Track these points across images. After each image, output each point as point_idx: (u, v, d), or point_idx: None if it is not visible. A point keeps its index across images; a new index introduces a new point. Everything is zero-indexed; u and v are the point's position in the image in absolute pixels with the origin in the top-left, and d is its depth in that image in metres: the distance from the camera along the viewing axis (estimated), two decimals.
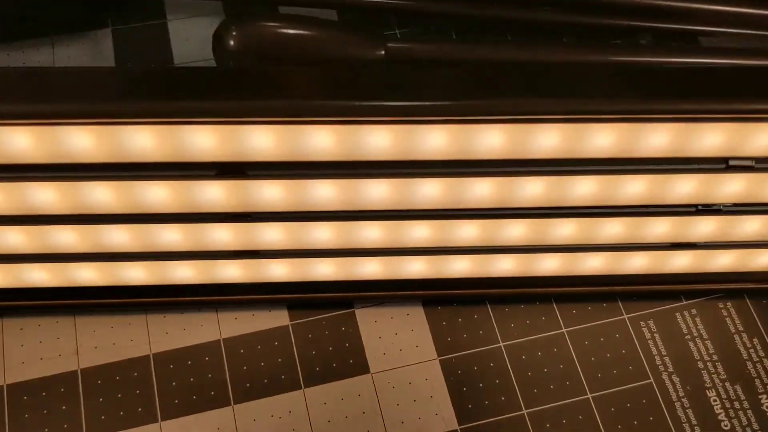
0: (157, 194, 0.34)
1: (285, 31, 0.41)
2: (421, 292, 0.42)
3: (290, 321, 0.42)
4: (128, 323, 0.41)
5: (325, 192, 0.35)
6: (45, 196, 0.33)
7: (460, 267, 0.41)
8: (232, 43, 0.41)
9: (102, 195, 0.34)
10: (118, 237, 0.37)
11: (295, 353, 0.41)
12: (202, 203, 0.35)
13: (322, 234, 0.37)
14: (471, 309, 0.43)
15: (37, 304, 0.41)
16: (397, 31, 0.51)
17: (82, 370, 0.40)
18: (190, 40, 0.50)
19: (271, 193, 0.34)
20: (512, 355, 0.42)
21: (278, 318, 0.42)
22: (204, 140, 0.32)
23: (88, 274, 0.39)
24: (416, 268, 0.41)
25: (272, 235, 0.37)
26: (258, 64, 0.39)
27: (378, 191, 0.35)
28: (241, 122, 0.31)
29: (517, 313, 0.43)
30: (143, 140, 0.31)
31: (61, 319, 0.41)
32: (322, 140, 0.32)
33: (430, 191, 0.35)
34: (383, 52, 0.42)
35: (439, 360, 0.41)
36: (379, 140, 0.32)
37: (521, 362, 0.42)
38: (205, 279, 0.40)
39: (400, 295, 0.43)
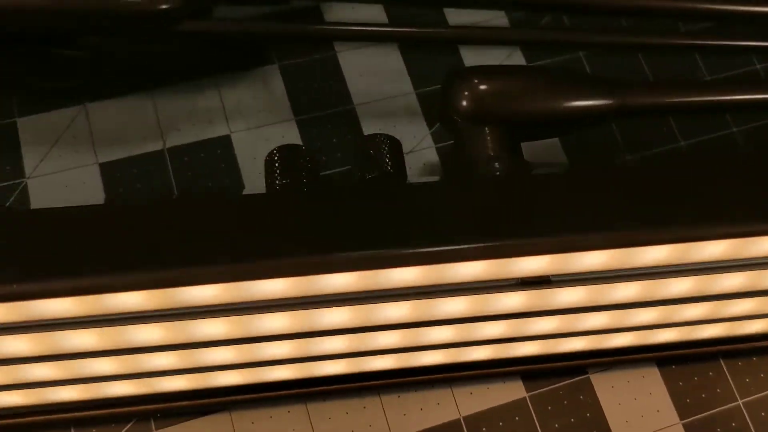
0: (456, 306, 0.31)
1: (519, 86, 0.37)
2: (656, 354, 0.41)
3: (527, 392, 0.40)
4: (363, 407, 0.39)
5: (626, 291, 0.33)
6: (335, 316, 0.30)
7: (707, 333, 0.39)
8: (464, 103, 0.37)
9: (397, 311, 0.31)
10: (385, 340, 0.34)
11: (538, 428, 0.39)
12: (499, 308, 0.32)
13: (596, 320, 0.35)
14: (705, 366, 0.42)
15: (268, 396, 0.38)
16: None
17: None
18: (365, 74, 0.46)
19: (571, 296, 0.32)
20: (752, 412, 0.41)
21: (514, 390, 0.40)
22: (530, 264, 0.29)
23: (332, 368, 0.36)
24: (664, 337, 0.39)
25: (545, 324, 0.35)
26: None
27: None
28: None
29: (751, 367, 0.42)
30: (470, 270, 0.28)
31: (293, 408, 0.39)
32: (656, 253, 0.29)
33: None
34: (612, 101, 0.39)
35: (682, 424, 0.40)
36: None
37: (762, 420, 0.41)
38: (450, 360, 0.38)
39: (634, 359, 0.41)
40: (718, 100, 0.41)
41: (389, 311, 0.31)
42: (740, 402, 0.41)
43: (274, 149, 0.35)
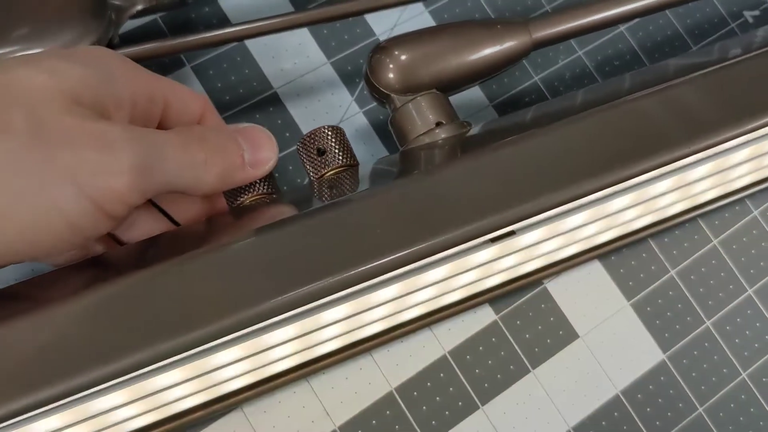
0: (438, 273, 0.34)
1: (444, 47, 0.39)
2: (597, 252, 0.46)
3: (496, 315, 0.45)
4: (359, 368, 0.43)
5: (576, 220, 0.37)
6: None
7: (638, 225, 0.44)
8: (391, 76, 0.39)
9: (388, 292, 0.34)
10: (377, 314, 0.37)
11: (513, 343, 0.44)
12: (474, 262, 0.36)
13: (550, 245, 0.40)
14: (638, 249, 0.47)
15: (271, 386, 0.41)
16: None
17: (339, 427, 0.41)
18: (277, 56, 0.46)
19: (531, 238, 0.36)
20: (683, 278, 0.47)
21: (485, 316, 0.45)
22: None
23: (329, 346, 0.39)
24: (603, 238, 0.44)
25: (508, 261, 0.39)
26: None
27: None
28: None
29: (675, 240, 0.48)
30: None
31: (297, 389, 0.42)
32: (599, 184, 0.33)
33: None
34: (529, 39, 0.41)
35: (630, 304, 0.46)
36: None
37: (692, 282, 0.47)
38: (429, 309, 0.42)
39: (580, 261, 0.46)
40: (619, 12, 0.44)
41: (381, 294, 0.34)
42: (672, 272, 0.47)
43: None
